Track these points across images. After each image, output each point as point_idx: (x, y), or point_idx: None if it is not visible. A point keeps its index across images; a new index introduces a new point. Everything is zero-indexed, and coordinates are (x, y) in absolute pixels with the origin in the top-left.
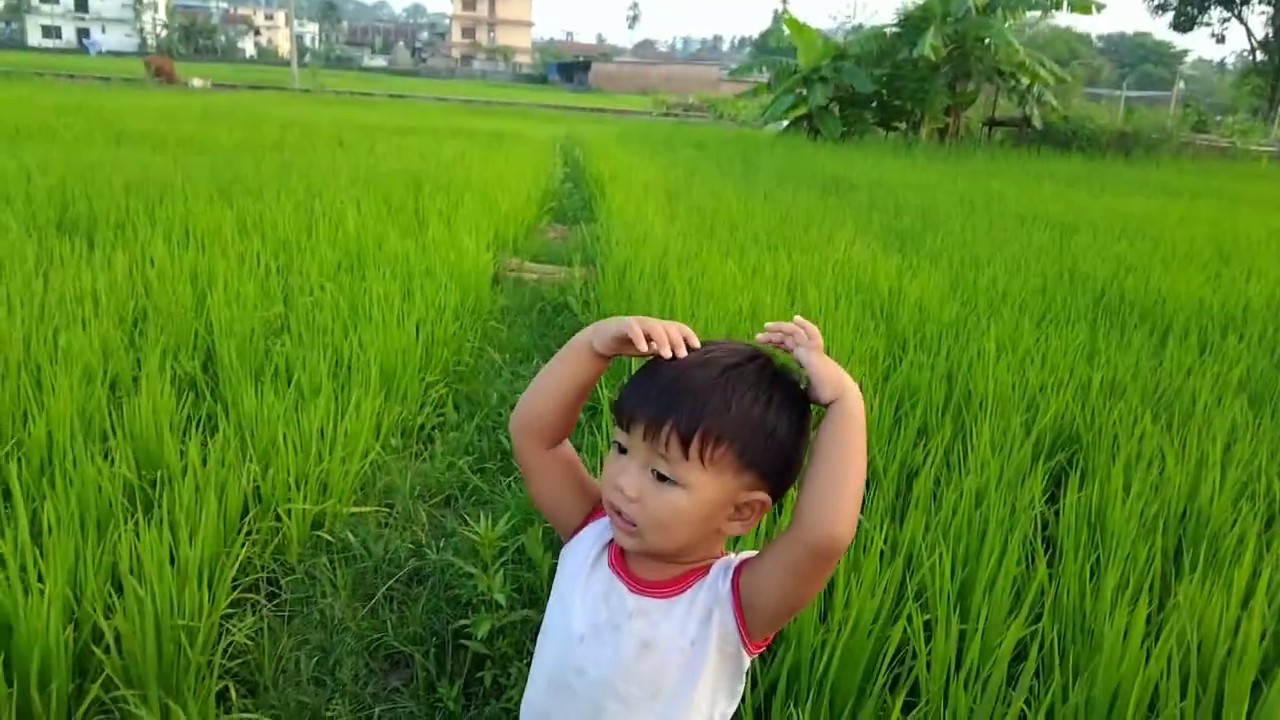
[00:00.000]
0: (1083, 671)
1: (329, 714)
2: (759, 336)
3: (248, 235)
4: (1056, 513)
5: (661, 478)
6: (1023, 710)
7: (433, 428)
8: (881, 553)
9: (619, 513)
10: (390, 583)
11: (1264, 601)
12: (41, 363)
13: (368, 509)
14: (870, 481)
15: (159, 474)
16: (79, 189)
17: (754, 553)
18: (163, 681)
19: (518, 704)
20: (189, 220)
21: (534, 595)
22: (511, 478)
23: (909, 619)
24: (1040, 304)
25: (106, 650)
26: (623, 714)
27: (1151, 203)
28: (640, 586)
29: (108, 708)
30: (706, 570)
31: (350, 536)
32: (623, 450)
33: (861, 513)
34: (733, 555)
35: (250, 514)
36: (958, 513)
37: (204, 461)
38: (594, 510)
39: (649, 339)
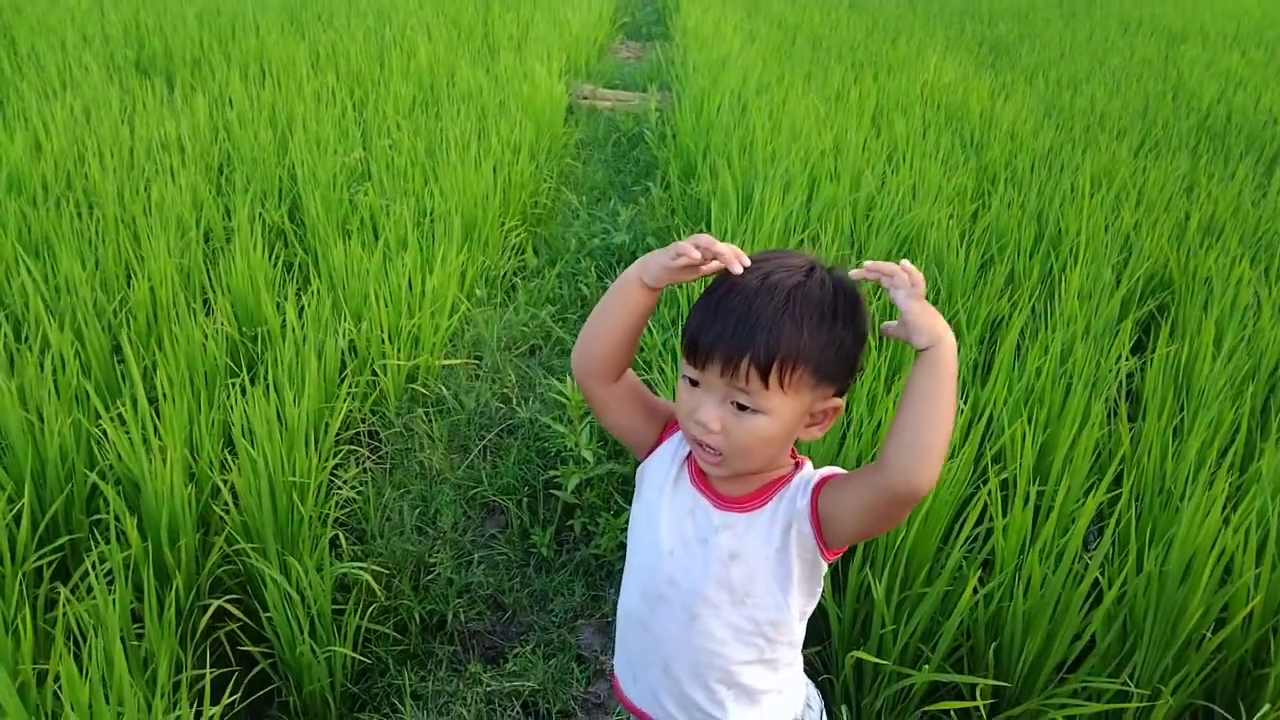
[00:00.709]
0: (1158, 539)
1: (432, 560)
2: (854, 273)
3: (321, 69)
4: (1143, 366)
5: (742, 408)
6: (1097, 578)
7: (514, 275)
8: (960, 411)
9: (702, 445)
10: (486, 437)
11: None
12: (136, 215)
13: (458, 362)
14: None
15: (259, 331)
16: (152, 23)
17: (833, 470)
18: (279, 535)
19: (607, 550)
20: (263, 54)
21: (618, 449)
22: None
23: (988, 490)
24: (1140, 129)
25: (225, 508)
26: (715, 616)
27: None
28: (724, 502)
29: (230, 559)
30: (785, 482)
31: (443, 390)
32: (694, 383)
33: None
34: (810, 469)
35: (348, 369)
36: (1042, 374)
37: (300, 315)
38: (665, 428)
39: (707, 258)
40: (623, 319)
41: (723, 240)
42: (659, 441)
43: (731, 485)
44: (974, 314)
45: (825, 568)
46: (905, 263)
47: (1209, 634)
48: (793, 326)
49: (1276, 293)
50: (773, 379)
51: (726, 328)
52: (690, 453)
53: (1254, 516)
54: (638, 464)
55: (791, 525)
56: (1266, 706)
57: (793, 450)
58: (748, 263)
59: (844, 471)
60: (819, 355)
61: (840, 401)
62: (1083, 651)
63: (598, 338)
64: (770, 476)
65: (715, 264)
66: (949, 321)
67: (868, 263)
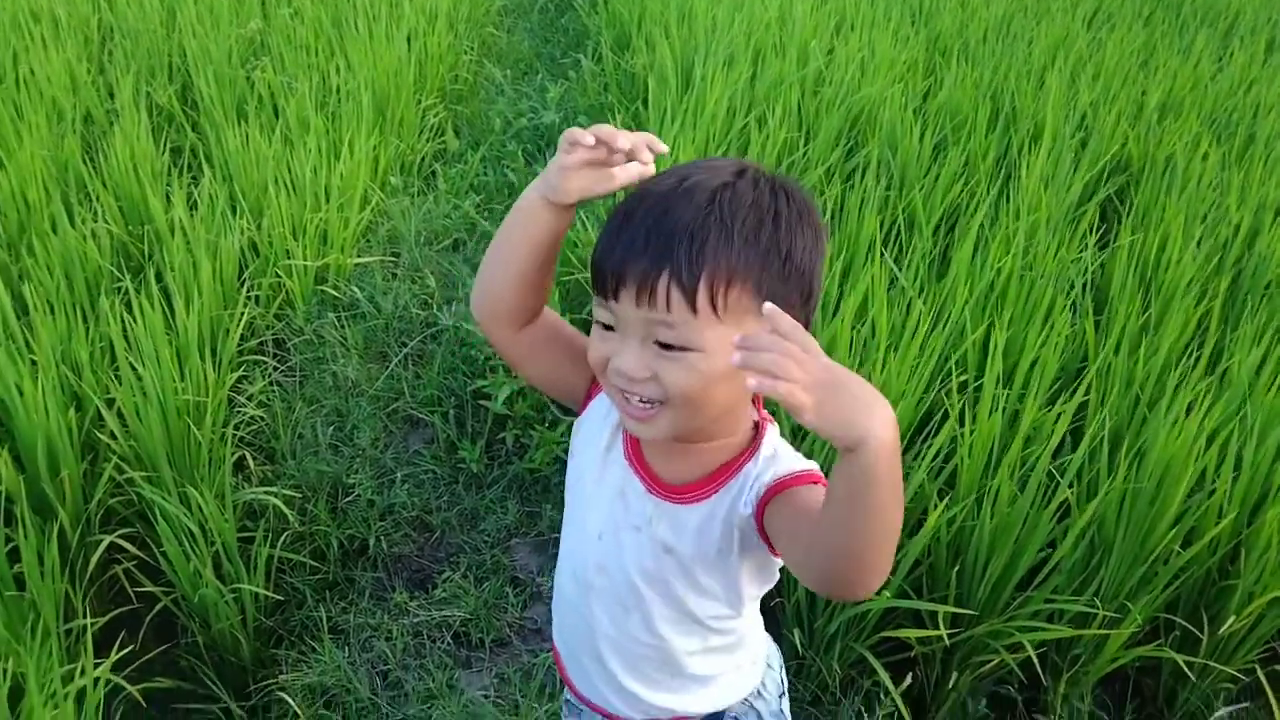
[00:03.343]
0: (1130, 451)
1: (350, 481)
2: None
3: None
4: (1104, 252)
5: (667, 346)
6: (1066, 499)
7: (433, 161)
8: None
9: (628, 398)
10: (407, 344)
11: None
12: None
13: (372, 259)
14: (911, 227)
15: (145, 230)
16: None
17: (793, 471)
18: (174, 460)
19: (542, 464)
20: None
21: None
22: None
23: (950, 399)
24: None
25: (113, 435)
26: (650, 609)
27: None
28: (661, 489)
29: (122, 489)
30: (735, 470)
31: (357, 292)
32: (609, 328)
33: (900, 269)
34: (770, 446)
35: (248, 271)
36: (1004, 272)
37: (192, 211)
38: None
39: (602, 144)
40: (528, 249)
41: (662, 124)
42: (591, 393)
43: (671, 462)
44: (930, 204)
45: (780, 561)
46: (770, 329)
47: (1179, 549)
48: (721, 232)
49: (1240, 172)
50: (702, 302)
51: (636, 241)
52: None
53: (1234, 421)
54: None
55: (734, 530)
56: (1232, 618)
57: (757, 402)
58: (662, 149)
59: (810, 482)
60: (759, 268)
61: None
62: (1046, 566)
63: (499, 275)
64: (717, 456)
65: (634, 170)
66: (905, 211)
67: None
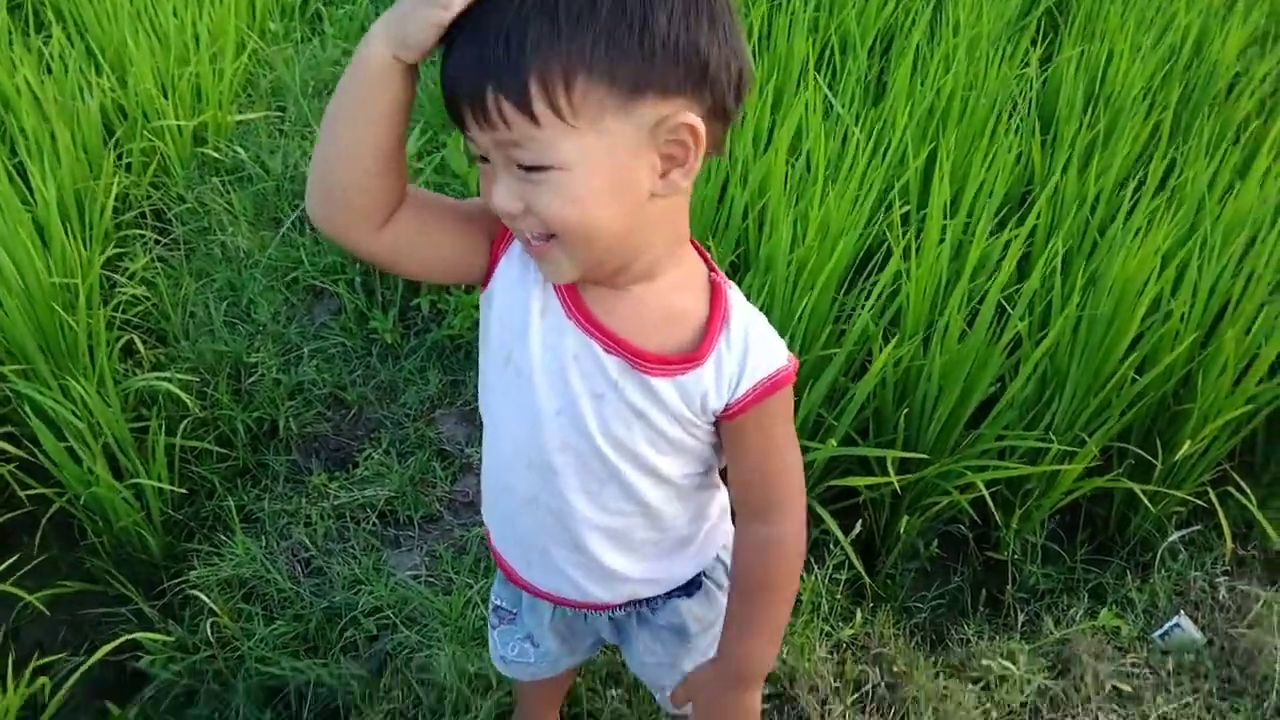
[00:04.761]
0: (1080, 276)
1: (252, 360)
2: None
3: None
4: (1045, 77)
5: (528, 169)
6: (1018, 328)
7: (318, 2)
8: (859, 145)
9: (526, 239)
10: (299, 211)
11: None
12: None
13: (255, 116)
14: (845, 50)
15: None
16: None
17: (762, 381)
18: (49, 349)
19: (461, 329)
20: None
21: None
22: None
23: (894, 234)
24: None
25: None
26: (625, 479)
27: None
28: (622, 350)
29: None
30: (705, 352)
31: (240, 152)
32: (484, 159)
33: (835, 95)
34: (744, 345)
35: (116, 135)
36: (943, 92)
37: (43, 75)
38: (500, 236)
39: None
40: (385, 124)
41: None
42: (495, 258)
43: (618, 314)
44: (864, 23)
45: None
46: None
47: (1134, 376)
48: (544, 20)
49: None
50: (539, 108)
51: (463, 58)
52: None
53: (1191, 242)
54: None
55: (705, 411)
56: (1188, 444)
57: (695, 245)
58: None
59: (775, 389)
60: (603, 50)
61: (693, 118)
62: (997, 401)
63: (349, 163)
64: (669, 300)
65: None
66: (836, 31)
67: None
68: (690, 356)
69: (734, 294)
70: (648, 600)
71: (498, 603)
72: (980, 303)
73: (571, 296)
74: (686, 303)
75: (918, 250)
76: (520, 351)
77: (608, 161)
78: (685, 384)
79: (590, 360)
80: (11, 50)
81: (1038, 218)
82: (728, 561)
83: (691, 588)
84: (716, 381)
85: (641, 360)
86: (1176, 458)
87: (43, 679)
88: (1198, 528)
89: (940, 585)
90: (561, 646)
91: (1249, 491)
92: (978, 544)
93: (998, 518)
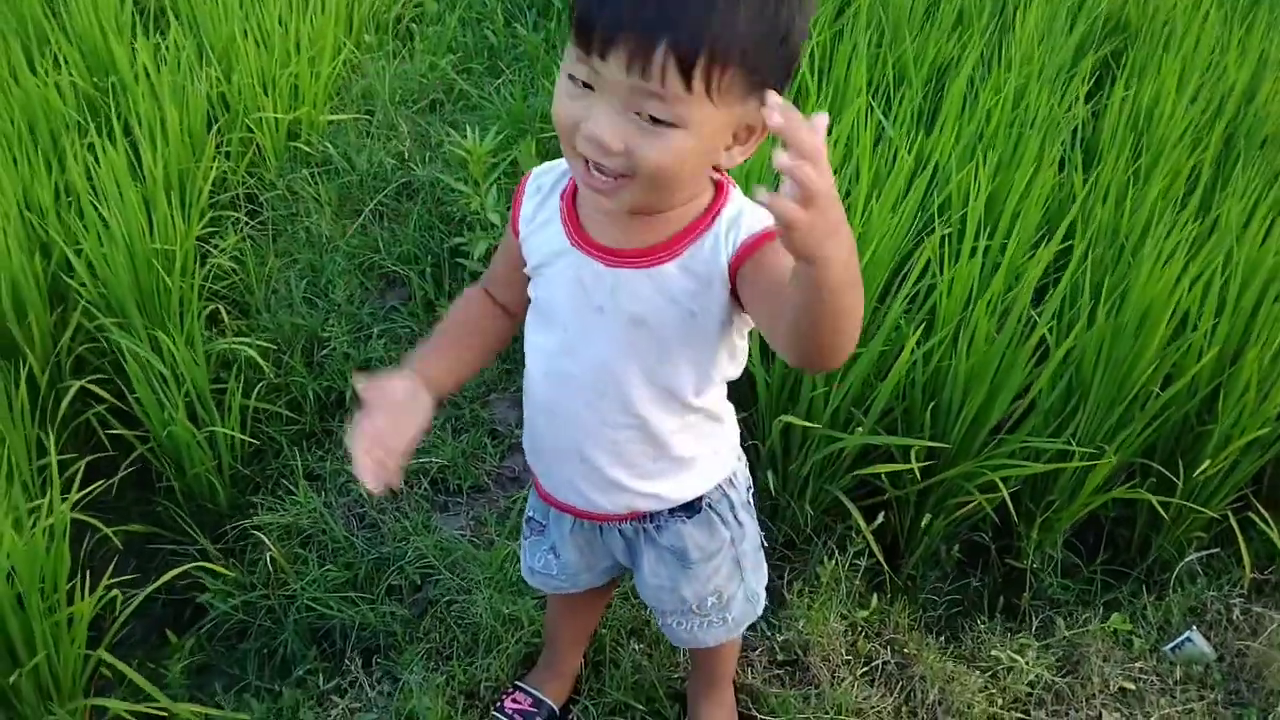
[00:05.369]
0: (1111, 292)
1: (325, 335)
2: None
3: None
4: (1096, 114)
5: (654, 120)
6: (1044, 335)
7: (410, 20)
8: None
9: (595, 169)
10: (379, 199)
11: None
12: None
13: (346, 116)
14: (898, 82)
15: (110, 81)
16: None
17: (767, 228)
18: (144, 308)
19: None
20: None
21: None
22: (500, 80)
23: (933, 241)
24: None
25: (82, 283)
26: (626, 391)
27: None
28: (616, 258)
29: (94, 338)
30: (700, 230)
31: (330, 147)
32: (586, 85)
33: (887, 119)
34: (736, 206)
35: (218, 124)
36: (993, 118)
37: (159, 66)
38: (513, 203)
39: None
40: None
41: None
42: (515, 224)
43: (623, 233)
44: (921, 55)
45: (750, 324)
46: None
47: (1158, 390)
48: (726, 6)
49: (1240, 32)
50: (698, 80)
51: (632, 2)
52: (562, 202)
53: (1218, 263)
54: None
55: (713, 283)
56: (1207, 463)
57: (716, 168)
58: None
59: (777, 238)
60: (757, 50)
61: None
62: (1023, 412)
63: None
64: (678, 220)
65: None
66: (895, 65)
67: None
68: (691, 226)
69: (734, 188)
70: (652, 517)
71: (530, 514)
72: (1009, 309)
73: (574, 222)
74: (694, 216)
75: (954, 258)
76: (544, 269)
77: (713, 132)
78: (684, 261)
79: (591, 277)
80: (134, 41)
81: (1070, 238)
82: (733, 497)
83: (692, 510)
84: (716, 242)
85: (637, 257)
86: (1197, 476)
87: (115, 592)
88: (1216, 550)
89: (960, 590)
90: (580, 560)
91: (1270, 519)
92: (1000, 554)
93: (1018, 523)
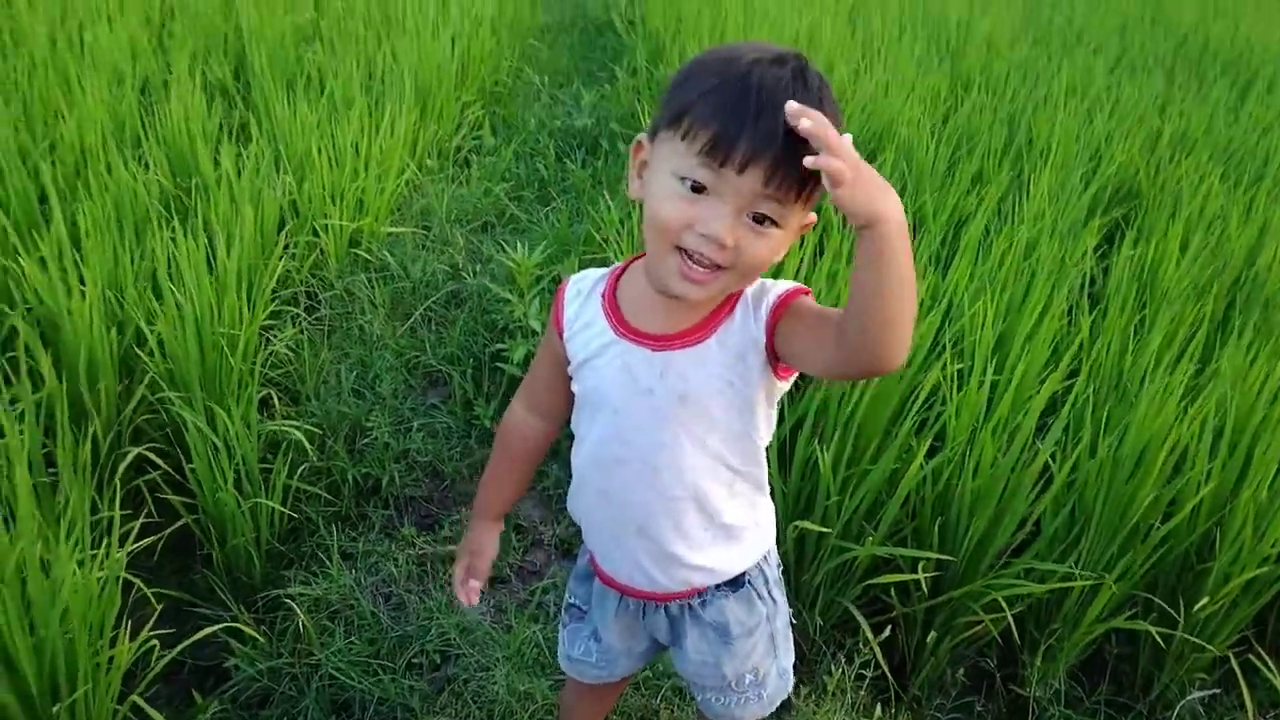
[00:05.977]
0: (1112, 427)
1: (369, 424)
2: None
3: None
4: (1106, 269)
5: (762, 220)
6: (1048, 462)
7: (469, 151)
8: (921, 302)
9: (698, 261)
10: (428, 303)
11: None
12: (68, 61)
13: (405, 229)
14: (916, 228)
15: (193, 182)
16: None
17: (790, 288)
18: (206, 385)
19: None
20: None
21: None
22: (549, 207)
23: (943, 367)
24: (1117, 47)
25: (150, 355)
26: (678, 463)
27: None
28: (660, 343)
29: (155, 409)
30: (730, 309)
31: (388, 256)
32: (697, 188)
33: None
34: (760, 287)
35: (287, 227)
36: (1004, 264)
37: (239, 172)
38: (557, 317)
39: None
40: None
41: None
42: (559, 326)
43: (664, 321)
44: (940, 205)
45: (785, 387)
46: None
47: (1157, 524)
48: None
49: (1244, 202)
50: (805, 193)
51: (771, 126)
52: (604, 301)
53: (1211, 406)
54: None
55: (746, 354)
56: (1206, 599)
57: None
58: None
59: (804, 294)
60: None
61: (815, 217)
62: (1028, 538)
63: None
64: (710, 304)
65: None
66: (915, 215)
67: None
68: (721, 307)
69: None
70: (699, 594)
71: (571, 600)
72: (1015, 433)
73: (619, 319)
74: (718, 295)
75: (963, 387)
76: (595, 365)
77: (796, 228)
78: (721, 336)
79: (639, 363)
80: (219, 151)
81: (1074, 375)
82: (768, 573)
83: (736, 585)
84: (747, 316)
85: (678, 340)
86: (1198, 611)
87: (154, 641)
88: (1218, 691)
89: (964, 710)
90: (620, 644)
91: (1273, 665)
92: (1004, 682)
93: (1022, 649)
